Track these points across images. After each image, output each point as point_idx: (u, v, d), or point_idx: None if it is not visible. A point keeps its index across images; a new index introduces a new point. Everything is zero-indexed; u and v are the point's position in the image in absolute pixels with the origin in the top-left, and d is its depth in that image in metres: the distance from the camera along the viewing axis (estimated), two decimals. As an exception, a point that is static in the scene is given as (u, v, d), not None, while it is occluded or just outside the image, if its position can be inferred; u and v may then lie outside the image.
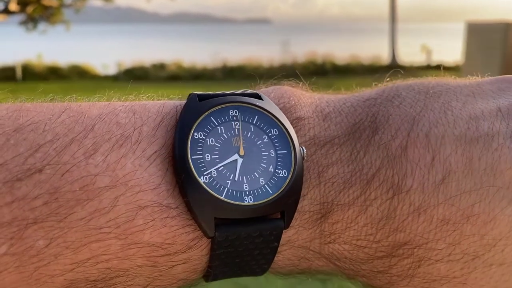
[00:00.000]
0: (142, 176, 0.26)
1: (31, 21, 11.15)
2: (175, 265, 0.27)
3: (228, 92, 0.31)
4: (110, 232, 0.25)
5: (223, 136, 0.29)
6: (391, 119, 0.30)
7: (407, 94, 0.32)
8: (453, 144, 0.29)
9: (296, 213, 0.29)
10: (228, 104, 0.30)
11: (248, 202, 0.28)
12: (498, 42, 6.40)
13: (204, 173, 0.27)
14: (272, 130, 0.30)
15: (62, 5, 11.25)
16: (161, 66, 12.19)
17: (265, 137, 0.30)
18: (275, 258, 0.30)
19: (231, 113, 0.30)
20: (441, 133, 0.29)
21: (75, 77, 11.68)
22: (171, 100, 0.32)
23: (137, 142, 0.27)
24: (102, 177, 0.25)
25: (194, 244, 0.27)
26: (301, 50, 13.33)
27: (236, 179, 0.28)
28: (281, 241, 0.29)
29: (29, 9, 10.45)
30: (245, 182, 0.28)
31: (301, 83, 0.35)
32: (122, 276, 0.26)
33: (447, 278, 0.29)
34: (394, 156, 0.29)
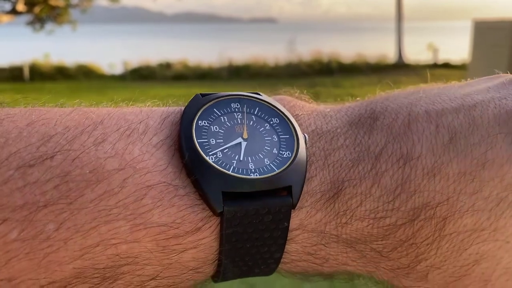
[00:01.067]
0: (149, 159, 0.27)
1: (38, 21, 11.21)
2: (184, 250, 0.27)
3: (228, 92, 0.32)
4: (119, 214, 0.25)
5: (226, 124, 0.30)
6: (389, 108, 0.32)
7: (399, 93, 0.34)
8: (453, 113, 0.30)
9: (305, 195, 0.29)
10: (229, 97, 0.31)
11: (254, 175, 0.28)
12: (505, 40, 6.36)
13: (210, 154, 0.28)
14: (273, 119, 0.31)
15: (69, 5, 11.31)
16: (167, 66, 12.22)
17: (267, 125, 0.31)
18: (288, 247, 0.30)
19: (233, 106, 0.31)
20: (440, 108, 0.30)
21: (81, 77, 11.73)
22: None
23: (144, 133, 0.28)
24: (111, 160, 0.26)
25: (203, 225, 0.27)
26: (307, 49, 13.32)
27: (241, 159, 0.29)
28: (293, 225, 0.29)
29: (36, 9, 10.51)
30: (250, 162, 0.29)
31: (298, 91, 0.36)
32: (131, 264, 0.26)
33: (476, 232, 0.27)
34: (398, 133, 0.30)
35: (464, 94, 0.31)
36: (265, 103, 0.32)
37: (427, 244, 0.28)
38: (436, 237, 0.28)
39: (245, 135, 0.30)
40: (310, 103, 0.36)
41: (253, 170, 0.28)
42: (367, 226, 0.29)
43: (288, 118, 0.31)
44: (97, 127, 0.28)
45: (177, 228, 0.26)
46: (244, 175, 0.28)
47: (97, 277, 0.26)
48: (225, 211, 0.27)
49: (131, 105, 0.32)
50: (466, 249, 0.28)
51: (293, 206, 0.28)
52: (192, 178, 0.27)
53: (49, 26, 11.45)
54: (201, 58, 12.61)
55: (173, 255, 0.27)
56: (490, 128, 0.28)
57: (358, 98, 0.36)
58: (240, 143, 0.29)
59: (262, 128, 0.31)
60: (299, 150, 0.29)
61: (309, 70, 11.63)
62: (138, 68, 12.09)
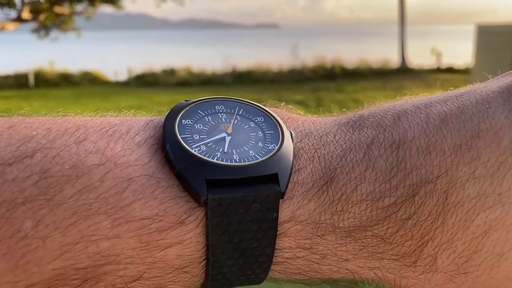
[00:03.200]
0: (131, 155, 0.27)
1: (43, 28, 11.29)
2: (168, 246, 0.26)
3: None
4: (99, 208, 0.25)
5: (211, 123, 0.30)
6: (378, 110, 0.32)
7: (382, 104, 0.34)
8: (441, 103, 0.30)
9: (295, 185, 0.28)
10: (213, 99, 0.32)
11: (239, 160, 0.28)
12: (508, 44, 6.35)
13: (193, 147, 0.28)
14: (258, 117, 0.31)
15: (73, 13, 11.38)
16: (171, 72, 12.25)
17: (251, 123, 0.31)
18: (280, 243, 0.29)
19: (217, 108, 0.31)
20: (428, 102, 0.31)
21: (86, 84, 11.78)
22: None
23: (127, 132, 0.28)
24: (92, 156, 0.26)
25: (187, 217, 0.26)
26: (310, 54, 13.32)
27: (225, 151, 0.28)
28: (284, 217, 0.28)
29: (42, 17, 10.57)
30: (234, 153, 0.28)
31: (283, 104, 0.36)
32: (113, 264, 0.25)
33: (480, 199, 0.27)
34: (388, 125, 0.30)
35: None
36: (249, 104, 0.32)
37: (432, 222, 0.27)
38: (440, 212, 0.27)
39: (230, 130, 0.30)
40: (298, 113, 0.36)
41: (237, 160, 0.28)
42: (365, 209, 0.28)
43: (273, 116, 0.31)
44: (79, 129, 0.28)
45: (160, 221, 0.25)
46: (227, 162, 0.27)
47: (78, 278, 0.25)
48: (209, 199, 0.26)
49: (136, 111, 0.32)
50: (473, 220, 0.27)
51: (281, 195, 0.27)
52: (175, 171, 0.26)
53: (54, 33, 11.53)
54: (205, 64, 12.63)
55: (157, 252, 0.26)
56: (479, 106, 0.29)
57: (360, 106, 0.36)
58: (224, 137, 0.29)
59: (247, 126, 0.31)
60: (284, 141, 0.29)
61: (313, 75, 11.63)
62: (142, 74, 12.13)
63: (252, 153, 0.28)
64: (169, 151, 0.26)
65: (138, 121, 0.30)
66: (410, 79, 10.77)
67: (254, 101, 0.33)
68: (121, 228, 0.25)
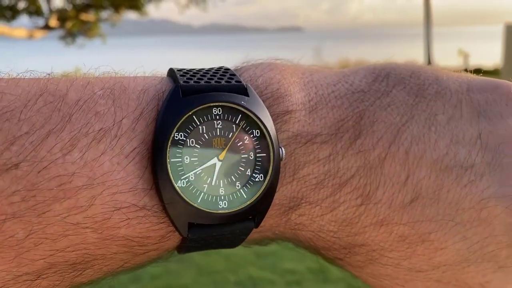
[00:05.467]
0: (120, 176, 0.26)
1: (70, 35, 11.54)
2: (148, 251, 0.29)
3: (213, 84, 0.30)
4: (87, 227, 0.26)
5: (204, 137, 0.29)
6: (376, 126, 0.31)
7: (397, 93, 0.32)
8: (428, 168, 0.30)
9: None
10: (212, 104, 0.29)
11: (222, 208, 0.28)
12: (539, 44, 6.17)
13: (182, 178, 0.28)
14: (254, 131, 0.29)
15: (99, 20, 11.61)
16: (194, 77, 12.32)
17: (246, 138, 0.29)
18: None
19: (214, 111, 0.29)
20: (420, 153, 0.30)
21: (111, 89, 11.94)
22: (152, 79, 0.31)
23: (116, 138, 0.27)
24: (79, 176, 0.25)
25: (168, 238, 0.29)
26: (334, 57, 13.25)
27: (213, 183, 0.28)
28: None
29: (68, 24, 10.82)
30: (221, 186, 0.29)
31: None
32: (100, 259, 0.28)
33: (391, 277, 0.32)
34: (371, 166, 0.30)
35: (451, 139, 0.31)
36: (248, 112, 0.29)
37: (353, 266, 0.33)
38: (361, 265, 0.33)
39: (222, 157, 0.29)
40: (303, 74, 0.33)
41: (222, 198, 0.29)
42: (310, 236, 0.32)
43: (269, 132, 0.29)
44: (65, 127, 0.26)
45: (143, 240, 0.28)
46: (212, 207, 0.28)
47: (68, 267, 0.27)
48: (189, 236, 0.28)
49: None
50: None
51: (255, 228, 0.30)
52: (161, 203, 0.27)
53: (80, 40, 11.78)
54: (228, 68, 12.65)
55: (138, 253, 0.29)
56: (448, 210, 0.30)
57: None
58: (215, 164, 0.29)
59: (241, 143, 0.29)
60: (272, 174, 0.29)
61: (336, 78, 11.53)
62: (166, 79, 12.23)
63: (238, 186, 0.29)
64: (159, 182, 0.27)
65: (128, 111, 0.28)
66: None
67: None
68: (107, 242, 0.27)
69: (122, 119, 0.27)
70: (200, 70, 0.32)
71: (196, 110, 0.28)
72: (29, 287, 0.26)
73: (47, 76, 0.29)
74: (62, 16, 10.68)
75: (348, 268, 0.34)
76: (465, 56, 13.56)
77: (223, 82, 0.30)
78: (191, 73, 0.31)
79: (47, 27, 10.61)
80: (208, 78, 0.30)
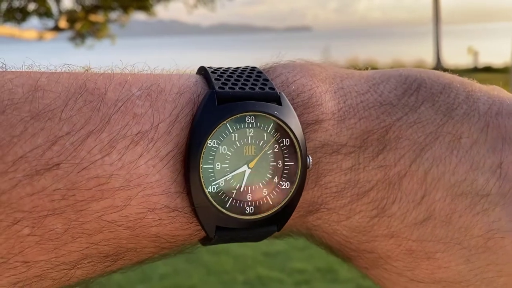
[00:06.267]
0: (155, 178, 0.27)
1: (79, 36, 11.61)
2: (176, 246, 0.31)
3: (247, 92, 0.30)
4: (121, 225, 0.27)
5: (236, 144, 0.29)
6: (400, 143, 0.31)
7: (425, 111, 0.32)
8: (445, 191, 0.31)
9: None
10: (245, 113, 0.29)
11: (249, 213, 0.30)
12: (551, 41, 6.10)
13: (213, 183, 0.29)
14: (284, 140, 0.30)
15: (108, 21, 11.66)
16: (203, 77, 12.34)
17: (276, 147, 0.30)
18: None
19: (247, 120, 0.29)
20: (439, 176, 0.31)
21: (120, 89, 12.00)
22: (186, 79, 0.31)
23: (153, 141, 0.27)
24: (117, 178, 0.26)
25: (195, 236, 0.30)
26: (343, 56, 13.22)
27: (242, 190, 0.30)
28: None
29: (78, 25, 10.88)
30: (249, 192, 0.30)
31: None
32: (131, 251, 0.29)
33: (393, 282, 0.34)
34: (390, 182, 0.31)
35: (471, 166, 0.31)
36: (280, 121, 0.30)
37: (360, 265, 0.35)
38: (366, 267, 0.34)
39: (252, 165, 0.30)
40: (334, 80, 0.34)
41: (249, 203, 0.30)
42: (323, 236, 0.34)
43: (298, 142, 0.30)
44: (105, 128, 0.26)
45: (172, 238, 0.30)
46: (239, 213, 0.29)
47: (102, 259, 0.29)
48: (215, 238, 0.30)
49: None
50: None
51: (277, 231, 0.31)
52: (192, 205, 0.29)
53: (89, 41, 11.85)
54: (236, 68, 12.66)
55: (167, 247, 0.31)
56: (456, 234, 0.31)
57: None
58: (245, 171, 0.29)
59: (270, 151, 0.30)
60: (299, 183, 0.30)
61: (345, 77, 11.51)
62: (175, 79, 12.27)
63: (265, 192, 0.30)
64: (191, 186, 0.28)
65: (164, 114, 0.28)
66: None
67: None
68: (139, 238, 0.28)
69: (160, 123, 0.28)
70: (233, 72, 0.32)
71: (231, 119, 0.29)
72: (66, 275, 0.28)
73: (85, 71, 0.29)
74: (72, 18, 10.75)
75: (356, 267, 0.36)
76: (475, 54, 13.45)
77: (256, 89, 0.30)
78: (225, 76, 0.31)
79: (56, 28, 10.68)
80: (242, 84, 0.31)
